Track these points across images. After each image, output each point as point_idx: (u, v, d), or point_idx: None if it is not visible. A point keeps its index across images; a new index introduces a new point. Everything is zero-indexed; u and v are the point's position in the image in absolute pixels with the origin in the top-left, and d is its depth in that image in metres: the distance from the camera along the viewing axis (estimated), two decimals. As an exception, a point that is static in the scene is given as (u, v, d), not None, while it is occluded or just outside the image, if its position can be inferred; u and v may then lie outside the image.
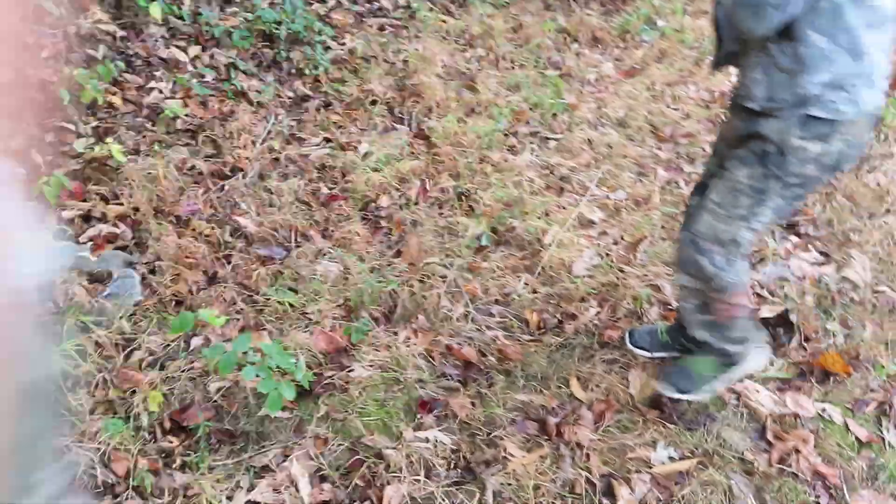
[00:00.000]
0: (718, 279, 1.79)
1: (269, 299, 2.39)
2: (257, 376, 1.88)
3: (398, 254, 2.67)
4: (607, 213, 2.97)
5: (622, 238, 2.82)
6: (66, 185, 2.61)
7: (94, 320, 2.17)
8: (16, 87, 2.84)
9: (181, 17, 3.59)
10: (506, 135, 3.43)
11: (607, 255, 2.71)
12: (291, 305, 2.37)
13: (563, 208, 2.95)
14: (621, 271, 2.62)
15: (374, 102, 3.54)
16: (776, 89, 1.56)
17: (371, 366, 2.17)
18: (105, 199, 2.70)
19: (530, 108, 3.64)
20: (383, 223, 2.83)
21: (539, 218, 2.85)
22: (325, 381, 2.13)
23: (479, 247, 2.72)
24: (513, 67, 4.05)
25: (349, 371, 2.15)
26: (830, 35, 1.47)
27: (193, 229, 2.64)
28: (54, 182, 2.56)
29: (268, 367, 1.89)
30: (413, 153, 3.22)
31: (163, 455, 1.89)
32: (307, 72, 3.66)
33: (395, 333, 2.31)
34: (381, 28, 4.19)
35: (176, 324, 1.96)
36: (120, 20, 3.39)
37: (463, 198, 2.96)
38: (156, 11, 3.38)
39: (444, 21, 4.31)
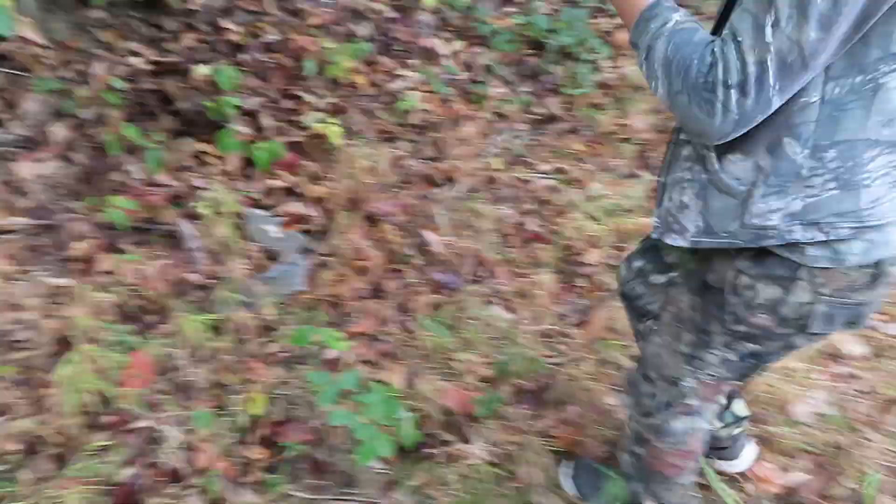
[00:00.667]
0: (652, 420, 1.43)
1: (421, 332, 2.23)
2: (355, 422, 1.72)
3: (580, 324, 2.34)
4: (871, 348, 2.32)
5: (876, 390, 2.17)
6: (281, 155, 2.70)
7: (243, 299, 2.20)
8: (274, 51, 2.98)
9: (454, 8, 3.56)
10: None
11: (846, 406, 2.10)
12: (440, 347, 2.19)
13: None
14: (859, 435, 2.01)
15: (625, 140, 3.19)
16: (716, 219, 1.11)
17: (489, 449, 1.90)
18: (313, 178, 2.75)
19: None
20: (579, 282, 2.51)
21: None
22: (434, 446, 1.91)
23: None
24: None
25: (464, 444, 1.91)
26: (815, 146, 0.99)
27: (380, 232, 2.57)
28: (269, 148, 2.66)
29: (367, 415, 1.72)
30: (647, 209, 2.83)
31: (243, 463, 1.83)
32: (565, 90, 3.42)
33: (536, 418, 2.01)
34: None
35: (296, 335, 1.88)
36: (394, 1, 3.46)
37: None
38: (430, -1, 3.40)
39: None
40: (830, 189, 1.02)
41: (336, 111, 2.98)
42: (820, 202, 1.03)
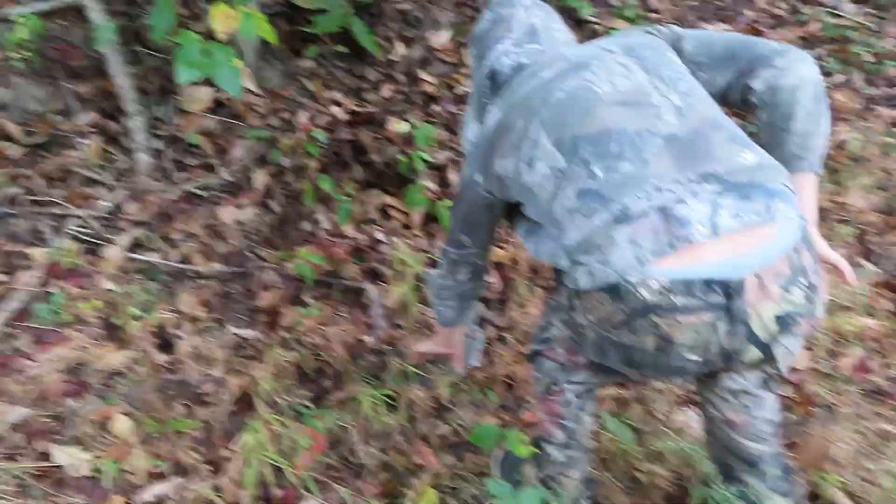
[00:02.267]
0: (534, 346, 1.53)
1: (603, 431, 1.93)
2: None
3: (791, 445, 1.94)
4: None
5: None
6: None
7: (417, 372, 2.02)
8: (466, 103, 2.80)
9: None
10: None
11: None
12: (623, 453, 1.88)
13: None
14: None
15: (843, 221, 2.69)
16: None
17: None
18: (496, 242, 2.54)
19: None
20: (785, 391, 2.09)
21: None
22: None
23: (917, 491, 1.81)
24: None
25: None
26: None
27: (562, 306, 2.30)
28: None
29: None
30: (870, 307, 2.34)
31: (405, 568, 1.63)
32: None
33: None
34: (894, 124, 3.20)
35: (477, 434, 1.65)
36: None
37: (921, 405, 2.02)
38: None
39: None
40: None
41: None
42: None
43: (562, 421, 1.54)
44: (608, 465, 1.87)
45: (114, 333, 2.02)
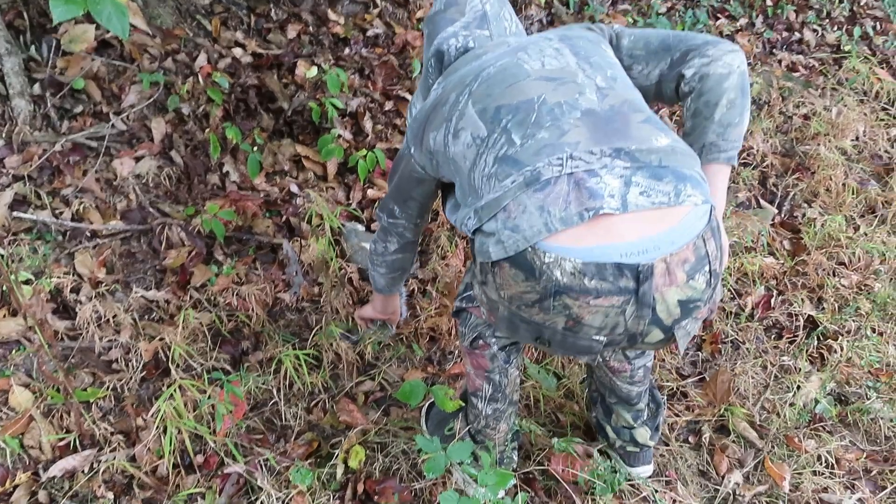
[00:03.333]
0: (459, 303, 1.56)
1: (527, 378, 2.00)
2: None
3: (700, 380, 2.08)
4: None
5: None
6: (381, 163, 2.47)
7: (340, 330, 2.00)
8: (378, 46, 2.69)
9: (567, 4, 3.23)
10: (910, 264, 2.51)
11: None
12: (546, 397, 1.96)
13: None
14: None
15: (746, 164, 2.85)
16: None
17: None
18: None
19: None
20: (696, 329, 2.23)
21: (918, 411, 2.00)
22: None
23: (812, 417, 1.99)
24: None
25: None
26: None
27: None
28: (370, 156, 2.44)
29: (476, 498, 1.51)
30: (770, 247, 2.51)
31: (338, 526, 1.65)
32: (680, 101, 3.08)
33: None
34: (791, 68, 3.38)
35: (405, 390, 1.67)
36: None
37: (818, 338, 2.20)
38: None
39: (878, 78, 3.34)
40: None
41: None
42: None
43: (488, 374, 1.58)
44: (531, 410, 1.94)
45: (2, 300, 1.88)
